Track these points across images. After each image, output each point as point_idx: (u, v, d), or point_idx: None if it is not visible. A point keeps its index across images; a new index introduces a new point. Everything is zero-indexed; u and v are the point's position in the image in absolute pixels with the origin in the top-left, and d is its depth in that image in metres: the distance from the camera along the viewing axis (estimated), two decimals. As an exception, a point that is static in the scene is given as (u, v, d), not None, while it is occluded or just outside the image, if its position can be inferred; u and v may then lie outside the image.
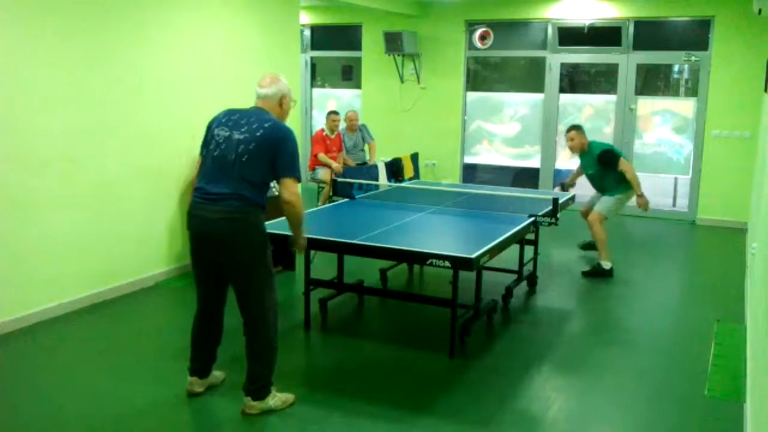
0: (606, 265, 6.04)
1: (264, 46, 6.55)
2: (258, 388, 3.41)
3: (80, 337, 4.45)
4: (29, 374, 3.87)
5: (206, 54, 5.86)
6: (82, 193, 4.86)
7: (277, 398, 3.48)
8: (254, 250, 3.32)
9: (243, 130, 3.27)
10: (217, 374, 3.73)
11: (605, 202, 6.16)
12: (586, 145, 6.17)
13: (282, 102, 3.44)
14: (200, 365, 3.61)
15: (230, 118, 3.35)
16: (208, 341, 3.59)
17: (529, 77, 9.63)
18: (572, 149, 6.24)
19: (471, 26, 9.26)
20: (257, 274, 3.34)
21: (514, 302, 5.20)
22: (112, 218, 5.10)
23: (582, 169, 6.40)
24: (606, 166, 6.06)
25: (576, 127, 6.19)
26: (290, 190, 3.25)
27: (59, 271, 4.75)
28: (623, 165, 6.05)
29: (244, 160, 3.23)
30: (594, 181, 6.33)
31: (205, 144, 3.39)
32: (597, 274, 6.01)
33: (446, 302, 4.22)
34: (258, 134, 3.25)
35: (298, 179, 3.29)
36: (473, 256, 3.74)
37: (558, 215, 4.91)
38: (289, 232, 3.62)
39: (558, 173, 9.15)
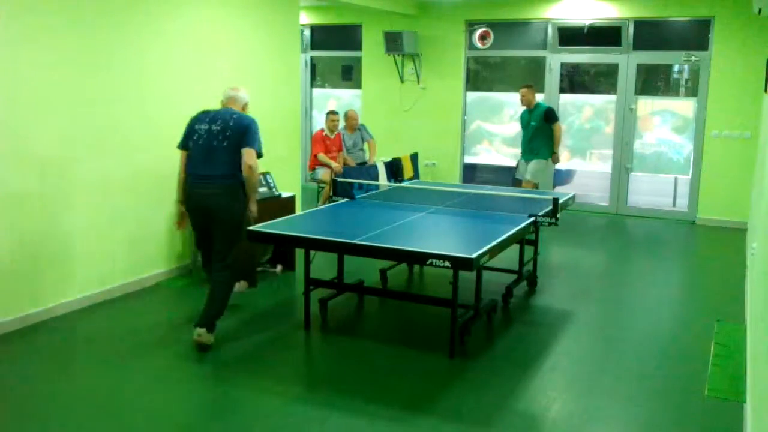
0: None
1: (264, 46, 6.55)
2: (211, 323, 4.24)
3: (81, 337, 4.45)
4: (29, 374, 3.86)
5: (206, 54, 5.86)
6: (82, 193, 4.86)
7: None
8: (238, 216, 4.29)
9: (218, 122, 4.24)
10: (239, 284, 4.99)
11: (534, 170, 7.53)
12: (533, 103, 7.66)
13: (244, 108, 4.48)
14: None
15: (207, 115, 4.33)
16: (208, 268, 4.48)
17: (529, 77, 9.61)
18: (523, 103, 7.69)
19: (471, 26, 9.26)
20: (238, 234, 4.32)
21: (514, 302, 5.20)
22: (112, 218, 5.10)
23: (523, 126, 7.78)
24: (547, 121, 7.50)
25: (528, 86, 7.68)
26: (251, 156, 4.18)
27: (59, 271, 4.75)
28: (558, 124, 7.58)
29: (224, 146, 4.19)
30: (529, 137, 7.66)
31: (188, 137, 4.34)
32: None
33: (446, 302, 4.22)
34: (230, 123, 4.23)
35: (258, 153, 4.22)
36: (473, 256, 3.74)
37: (558, 215, 4.91)
38: (289, 232, 4.08)
39: (558, 173, 9.16)
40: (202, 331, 4.18)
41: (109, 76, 4.97)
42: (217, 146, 4.20)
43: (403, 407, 3.54)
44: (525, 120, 7.80)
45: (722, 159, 8.12)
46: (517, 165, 8.08)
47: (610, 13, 8.45)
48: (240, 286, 5.12)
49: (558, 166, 8.29)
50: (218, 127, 4.21)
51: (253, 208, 4.36)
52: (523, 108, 7.82)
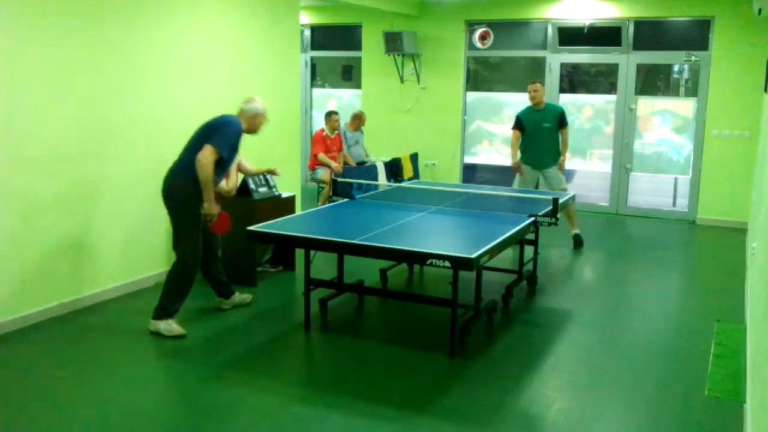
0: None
1: (264, 46, 6.55)
2: (156, 310, 4.40)
3: (80, 337, 4.45)
4: (29, 374, 3.86)
5: (206, 54, 5.86)
6: (82, 193, 4.86)
7: (167, 325, 4.38)
8: (181, 204, 4.36)
9: (203, 124, 4.39)
10: (243, 296, 5.01)
11: (558, 179, 6.93)
12: (543, 101, 6.97)
13: (254, 119, 4.51)
14: (216, 290, 4.88)
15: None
16: (205, 269, 4.73)
17: (529, 77, 9.60)
18: (534, 100, 6.92)
19: (471, 26, 9.26)
20: (183, 226, 4.39)
21: (514, 302, 5.20)
22: (111, 218, 5.10)
23: (532, 127, 6.95)
24: (560, 125, 6.91)
25: (540, 82, 7.04)
26: (205, 151, 4.20)
27: (59, 271, 4.76)
28: (567, 129, 7.03)
29: (194, 139, 4.34)
30: (548, 140, 6.93)
31: None
32: (581, 242, 7.01)
33: (446, 302, 4.22)
34: (210, 121, 4.37)
35: (217, 152, 4.22)
36: (473, 256, 3.74)
37: (558, 215, 4.91)
38: (289, 232, 4.03)
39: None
40: (151, 321, 4.42)
41: (109, 76, 4.97)
42: (191, 139, 4.39)
43: (403, 407, 3.54)
44: (534, 120, 6.93)
45: (722, 159, 8.12)
46: (520, 173, 7.06)
47: (610, 13, 8.45)
48: (243, 298, 5.02)
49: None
50: (203, 126, 4.40)
51: (207, 205, 4.35)
52: (528, 106, 7.04)
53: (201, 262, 4.55)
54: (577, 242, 6.97)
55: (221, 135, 4.27)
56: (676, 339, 4.67)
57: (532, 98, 6.95)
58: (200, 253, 4.50)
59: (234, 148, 4.44)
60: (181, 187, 4.33)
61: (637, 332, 4.76)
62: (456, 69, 9.42)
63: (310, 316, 4.65)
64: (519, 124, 7.04)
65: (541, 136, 6.94)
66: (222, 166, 4.40)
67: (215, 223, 4.48)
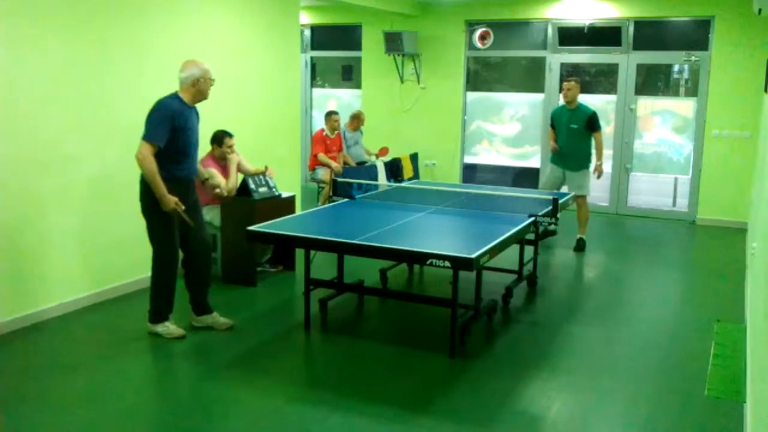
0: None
1: (264, 46, 6.55)
2: (149, 314, 4.37)
3: (81, 337, 4.45)
4: (29, 374, 3.86)
5: (206, 54, 5.84)
6: (82, 192, 4.86)
7: (166, 328, 4.34)
8: (144, 203, 4.24)
9: None
10: (221, 321, 4.57)
11: (583, 183, 6.80)
12: (577, 101, 6.76)
13: (195, 84, 4.21)
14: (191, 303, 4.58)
15: None
16: (187, 276, 4.54)
17: (529, 77, 9.63)
18: (566, 98, 6.74)
19: (471, 26, 9.26)
20: (149, 225, 4.29)
21: (514, 302, 5.20)
22: (112, 218, 5.10)
23: (560, 126, 6.83)
24: (590, 128, 6.68)
25: (576, 80, 6.77)
26: (138, 149, 4.07)
27: (59, 271, 4.75)
28: (600, 133, 6.75)
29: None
30: (571, 142, 6.77)
31: None
32: (582, 247, 6.93)
33: (446, 302, 4.22)
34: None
35: (149, 144, 4.05)
36: (473, 256, 3.74)
37: (558, 215, 4.91)
38: (289, 232, 4.00)
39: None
40: (148, 324, 4.39)
41: (109, 76, 4.97)
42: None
43: (403, 407, 3.54)
44: (563, 119, 6.83)
45: (722, 159, 8.12)
46: (546, 171, 7.17)
47: (610, 13, 8.45)
48: (221, 323, 4.55)
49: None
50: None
51: (160, 200, 4.13)
52: (561, 104, 6.96)
53: (180, 262, 4.41)
54: (580, 246, 6.94)
55: (147, 126, 4.08)
56: (676, 339, 4.67)
57: (564, 95, 6.81)
58: (175, 250, 4.34)
59: (176, 129, 4.11)
60: (141, 190, 4.24)
61: (637, 332, 4.76)
62: (456, 69, 9.42)
63: (310, 316, 4.65)
64: (552, 121, 7.05)
65: (567, 137, 6.80)
66: (179, 152, 4.17)
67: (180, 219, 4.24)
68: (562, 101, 7.02)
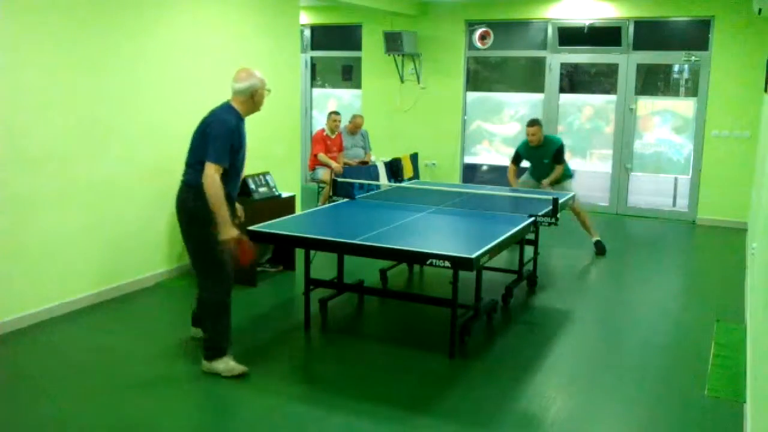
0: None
1: (264, 46, 6.55)
2: (206, 349, 3.88)
3: (81, 337, 4.45)
4: (29, 374, 3.86)
5: (206, 54, 5.86)
6: (82, 192, 4.86)
7: (224, 364, 3.84)
8: (196, 232, 3.77)
9: (199, 122, 3.79)
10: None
11: (565, 188, 6.74)
12: (542, 138, 6.70)
13: (253, 96, 3.83)
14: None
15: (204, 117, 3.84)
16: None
17: (529, 77, 9.63)
18: (532, 142, 6.68)
19: (471, 26, 9.26)
20: (201, 257, 3.82)
21: (514, 302, 5.20)
22: (112, 218, 5.10)
23: (533, 160, 6.86)
24: (556, 161, 6.70)
25: (538, 122, 6.68)
26: (205, 174, 3.62)
27: (60, 271, 4.76)
28: (562, 166, 6.76)
29: (191, 147, 3.79)
30: (540, 171, 6.81)
31: None
32: (603, 250, 6.81)
33: (446, 302, 4.22)
34: (202, 122, 3.77)
35: (218, 167, 3.63)
36: (473, 256, 3.74)
37: (558, 215, 4.91)
38: (289, 232, 3.92)
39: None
40: (204, 362, 3.89)
41: (108, 76, 4.97)
42: (191, 143, 3.80)
43: (403, 407, 3.54)
44: (534, 156, 6.81)
45: (722, 159, 8.12)
46: (523, 177, 7.06)
47: (610, 13, 8.45)
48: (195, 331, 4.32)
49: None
50: (199, 124, 3.79)
51: (221, 229, 3.64)
52: (526, 142, 6.77)
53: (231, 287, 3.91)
54: (600, 249, 6.76)
55: (214, 148, 3.62)
56: (676, 339, 4.67)
57: (530, 141, 6.68)
58: (230, 278, 3.86)
59: (235, 149, 3.75)
60: (192, 206, 3.73)
61: (637, 332, 4.76)
62: (456, 69, 9.42)
63: (310, 316, 4.65)
64: (517, 159, 6.88)
65: (541, 169, 6.79)
66: (233, 169, 3.80)
67: (235, 251, 3.73)
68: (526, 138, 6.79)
